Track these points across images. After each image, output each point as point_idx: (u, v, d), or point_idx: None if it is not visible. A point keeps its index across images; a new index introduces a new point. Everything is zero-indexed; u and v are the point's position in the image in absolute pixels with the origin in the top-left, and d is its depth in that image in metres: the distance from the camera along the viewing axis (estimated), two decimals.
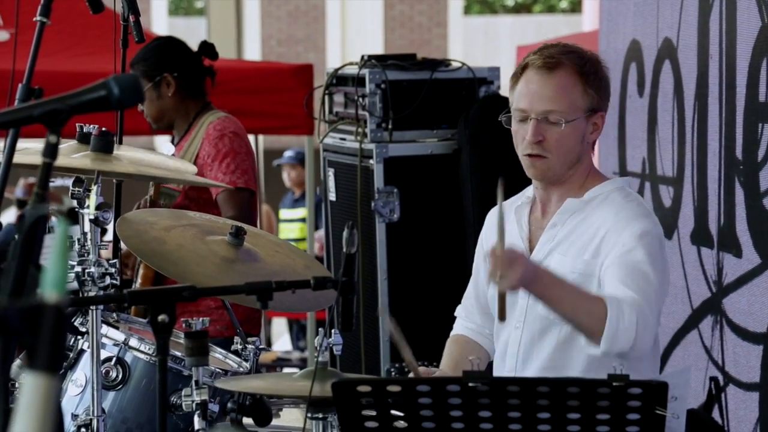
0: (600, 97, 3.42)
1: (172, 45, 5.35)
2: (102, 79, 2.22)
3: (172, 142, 5.35)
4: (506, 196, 3.68)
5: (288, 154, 11.89)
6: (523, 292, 3.41)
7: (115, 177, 3.90)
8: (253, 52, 20.19)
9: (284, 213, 12.04)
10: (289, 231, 11.87)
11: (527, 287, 3.16)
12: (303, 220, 10.62)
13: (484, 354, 3.72)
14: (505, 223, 3.65)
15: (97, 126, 3.65)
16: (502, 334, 3.59)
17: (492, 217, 3.71)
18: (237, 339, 3.86)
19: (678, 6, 4.90)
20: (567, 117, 3.37)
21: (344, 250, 2.93)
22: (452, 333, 3.87)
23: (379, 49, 20.03)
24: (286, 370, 10.54)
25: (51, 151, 2.19)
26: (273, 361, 10.53)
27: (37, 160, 3.32)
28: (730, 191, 4.42)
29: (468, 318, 3.81)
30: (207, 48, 5.37)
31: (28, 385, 1.36)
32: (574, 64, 3.40)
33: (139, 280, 5.01)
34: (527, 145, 3.40)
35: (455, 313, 3.88)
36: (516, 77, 3.46)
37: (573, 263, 3.40)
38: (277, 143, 14.30)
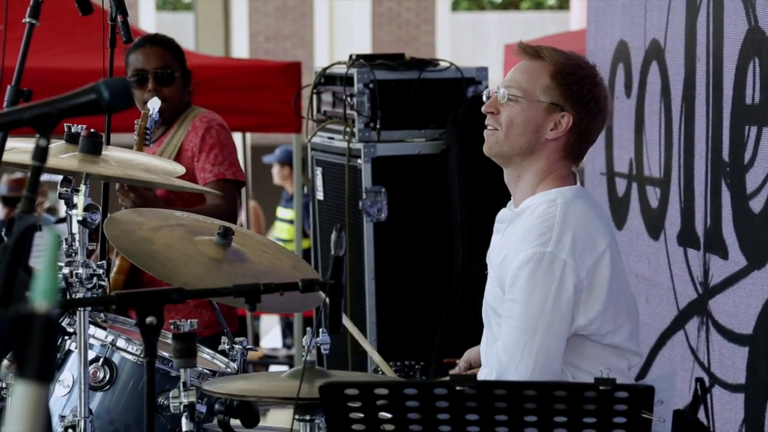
0: (566, 97, 3.43)
1: None
2: (92, 82, 2.22)
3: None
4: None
5: (278, 151, 11.80)
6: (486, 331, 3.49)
7: (103, 179, 3.90)
8: (240, 48, 20.17)
9: (281, 212, 11.94)
10: (280, 231, 11.78)
11: None
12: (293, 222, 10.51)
13: None
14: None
15: (85, 126, 3.64)
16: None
17: None
18: (224, 339, 3.86)
19: (665, 8, 4.91)
20: (522, 96, 3.42)
21: (332, 252, 2.93)
22: None
23: (366, 46, 20.03)
24: (273, 367, 10.55)
25: (41, 155, 2.19)
26: (260, 358, 10.53)
27: (24, 158, 3.33)
28: (717, 193, 4.44)
29: None
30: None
31: (19, 394, 1.36)
32: (554, 61, 3.45)
33: (114, 270, 5.02)
34: (483, 108, 3.48)
35: None
36: None
37: (493, 295, 3.45)
38: (264, 139, 14.30)
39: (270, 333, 13.27)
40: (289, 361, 10.37)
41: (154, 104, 4.89)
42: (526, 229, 3.38)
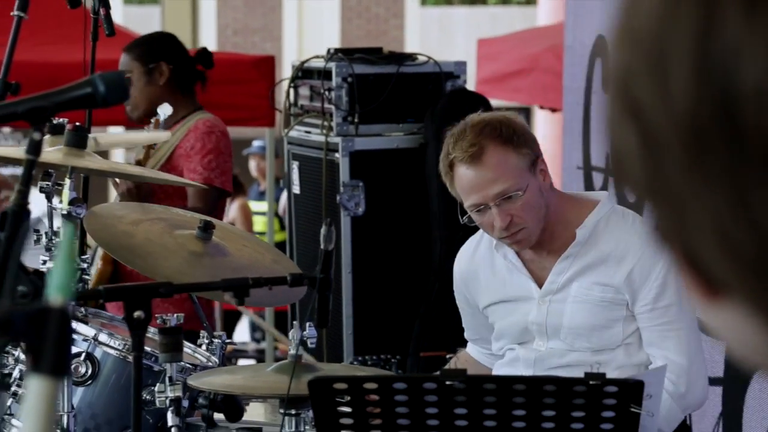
0: (531, 148, 3.40)
1: (171, 39, 5.43)
2: (85, 77, 2.22)
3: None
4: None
5: (257, 143, 11.73)
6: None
7: (89, 173, 3.88)
8: (208, 42, 20.09)
9: (254, 205, 11.88)
10: (255, 224, 11.72)
11: None
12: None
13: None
14: (482, 262, 3.60)
15: (68, 120, 3.62)
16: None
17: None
18: (203, 333, 3.85)
19: None
20: (520, 186, 3.35)
21: (322, 246, 2.93)
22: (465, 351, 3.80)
23: (335, 40, 20.00)
24: (241, 361, 10.53)
25: (35, 148, 2.19)
26: (229, 352, 10.49)
27: (8, 152, 3.32)
28: None
29: (481, 344, 3.71)
30: (205, 55, 5.43)
31: (33, 389, 1.36)
32: (494, 138, 3.37)
33: (94, 278, 4.94)
34: (500, 230, 3.36)
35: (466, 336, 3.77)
36: (449, 176, 3.41)
37: (602, 292, 3.39)
38: (238, 134, 14.25)
39: (238, 327, 13.23)
40: (259, 355, 10.35)
41: (165, 110, 4.83)
42: (636, 234, 3.43)
